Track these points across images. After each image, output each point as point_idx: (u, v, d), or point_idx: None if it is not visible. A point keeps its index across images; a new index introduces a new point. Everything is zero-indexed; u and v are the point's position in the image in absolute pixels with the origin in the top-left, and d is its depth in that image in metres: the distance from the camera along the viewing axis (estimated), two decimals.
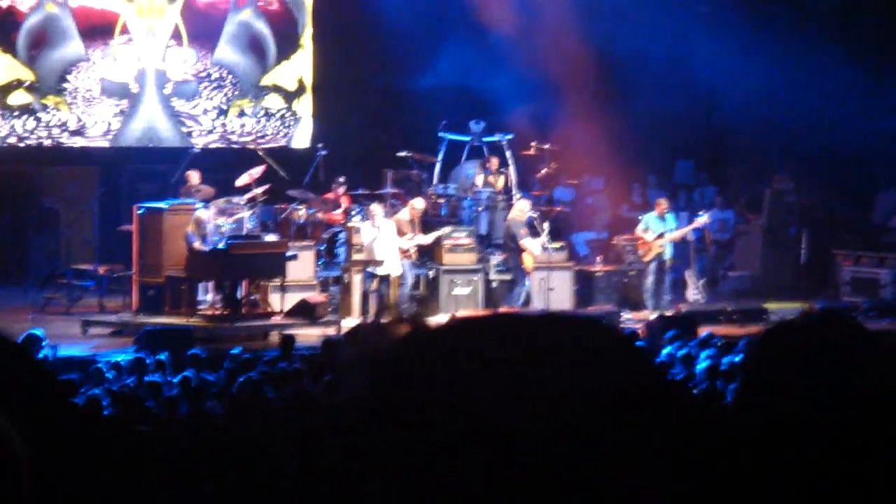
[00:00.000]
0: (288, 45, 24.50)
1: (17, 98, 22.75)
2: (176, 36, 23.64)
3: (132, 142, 23.54)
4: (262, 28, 24.31)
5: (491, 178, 21.72)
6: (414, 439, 1.70)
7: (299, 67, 24.59)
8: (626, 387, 1.77)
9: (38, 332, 14.63)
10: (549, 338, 1.79)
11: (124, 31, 23.22)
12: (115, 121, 23.42)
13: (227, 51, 24.12)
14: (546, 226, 20.23)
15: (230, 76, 24.20)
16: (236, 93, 24.29)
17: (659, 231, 20.81)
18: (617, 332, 1.89)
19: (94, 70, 23.19)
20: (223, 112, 24.22)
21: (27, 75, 22.78)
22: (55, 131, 23.04)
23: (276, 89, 24.51)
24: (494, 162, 21.90)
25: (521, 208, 20.23)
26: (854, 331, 2.35)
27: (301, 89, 24.64)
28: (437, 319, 18.37)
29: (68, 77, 23.01)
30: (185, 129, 23.89)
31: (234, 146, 24.02)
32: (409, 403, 1.72)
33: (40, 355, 14.02)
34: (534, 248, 19.84)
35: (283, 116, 24.64)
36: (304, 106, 24.71)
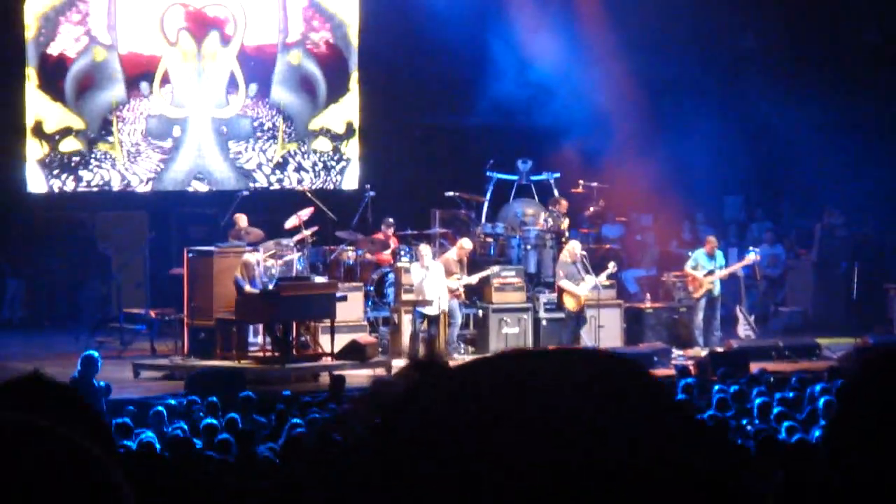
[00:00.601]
0: (338, 87, 24.60)
1: (69, 145, 22.91)
2: (231, 79, 23.79)
3: (182, 185, 23.68)
4: (313, 69, 24.44)
5: (553, 219, 21.51)
6: (423, 483, 1.66)
7: (347, 110, 24.70)
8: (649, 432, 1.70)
9: (94, 353, 14.81)
10: (553, 374, 1.74)
11: (166, 78, 23.35)
12: (161, 164, 23.56)
13: (281, 91, 24.26)
14: (611, 266, 20.19)
15: (282, 119, 24.33)
16: (288, 135, 24.42)
17: (708, 268, 20.73)
18: (635, 366, 1.81)
19: (141, 114, 23.34)
20: (272, 155, 24.34)
21: (77, 123, 22.94)
22: (105, 176, 23.19)
23: (325, 132, 24.62)
24: (562, 204, 21.73)
25: (570, 249, 20.17)
26: None
27: (349, 132, 24.73)
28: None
29: (114, 121, 23.17)
30: (237, 171, 24.00)
31: (283, 188, 24.11)
32: (418, 444, 1.68)
33: (95, 381, 14.17)
34: (575, 288, 19.78)
35: (331, 159, 24.74)
36: (352, 148, 24.80)
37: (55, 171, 22.86)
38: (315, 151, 24.59)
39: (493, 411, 1.65)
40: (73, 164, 22.93)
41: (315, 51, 24.47)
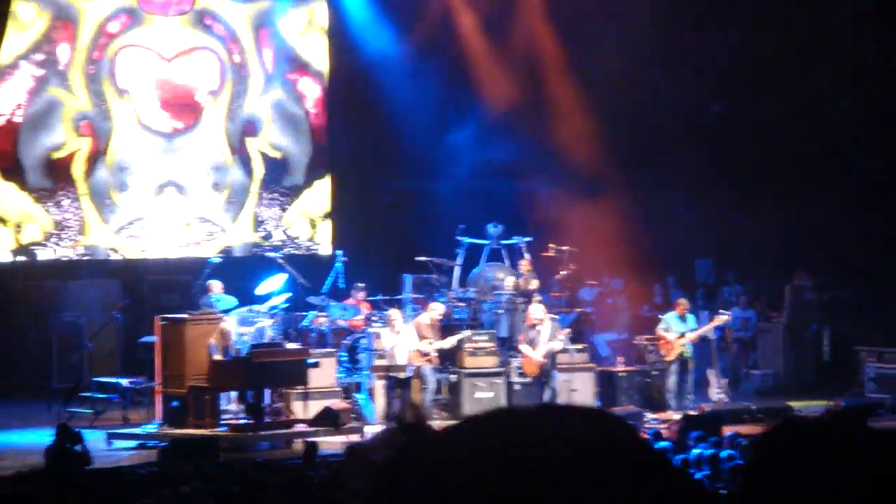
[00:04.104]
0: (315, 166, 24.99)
1: (30, 235, 23.12)
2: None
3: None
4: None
5: (521, 282, 21.66)
6: None
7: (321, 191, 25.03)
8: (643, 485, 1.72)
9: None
10: (545, 432, 1.75)
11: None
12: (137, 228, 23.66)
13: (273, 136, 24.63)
14: (565, 331, 20.20)
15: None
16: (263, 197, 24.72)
17: (680, 330, 20.80)
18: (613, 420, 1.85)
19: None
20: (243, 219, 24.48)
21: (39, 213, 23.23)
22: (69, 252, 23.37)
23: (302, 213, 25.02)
24: (525, 264, 21.87)
25: (528, 312, 20.21)
26: (858, 428, 2.30)
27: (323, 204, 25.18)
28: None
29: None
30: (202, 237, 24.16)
31: (255, 254, 24.19)
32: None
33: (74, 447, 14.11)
34: (531, 353, 19.77)
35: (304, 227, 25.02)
36: (323, 211, 25.09)
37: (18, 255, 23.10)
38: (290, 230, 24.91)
39: (486, 476, 1.67)
40: (34, 251, 23.13)
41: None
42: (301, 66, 24.97)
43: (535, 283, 21.65)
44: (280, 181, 24.95)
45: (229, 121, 24.41)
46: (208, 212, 24.31)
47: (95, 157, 23.47)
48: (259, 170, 24.71)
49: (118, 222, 23.68)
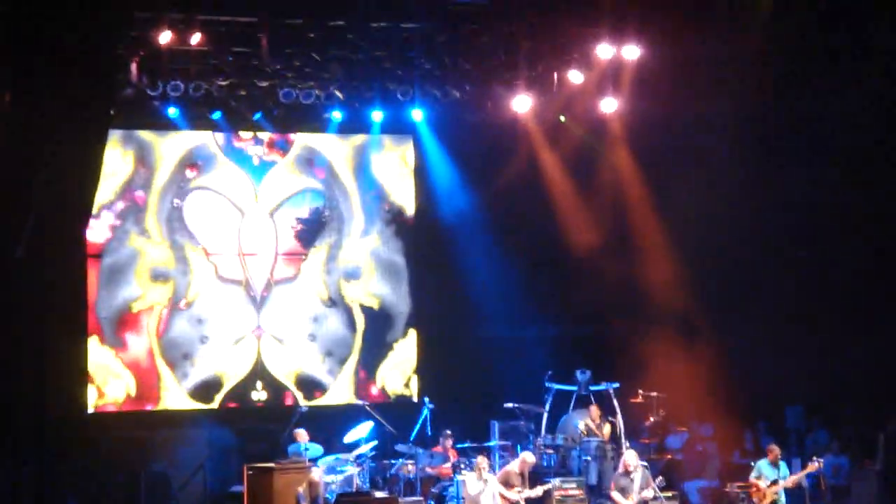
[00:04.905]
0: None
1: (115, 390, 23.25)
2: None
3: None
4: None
5: (594, 427, 21.57)
6: None
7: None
8: None
9: None
10: None
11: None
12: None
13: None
14: (658, 479, 19.95)
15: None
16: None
17: (772, 478, 20.48)
18: None
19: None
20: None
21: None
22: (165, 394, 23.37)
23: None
24: (594, 411, 21.79)
25: (626, 458, 20.01)
26: None
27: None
28: None
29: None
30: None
31: (342, 402, 24.11)
32: None
33: None
34: (624, 501, 19.53)
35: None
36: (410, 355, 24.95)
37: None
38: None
39: None
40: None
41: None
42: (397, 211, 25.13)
43: (606, 429, 21.51)
44: (383, 334, 24.96)
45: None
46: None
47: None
48: (360, 323, 24.76)
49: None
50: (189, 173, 23.72)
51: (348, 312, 24.45)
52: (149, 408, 23.29)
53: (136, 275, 23.31)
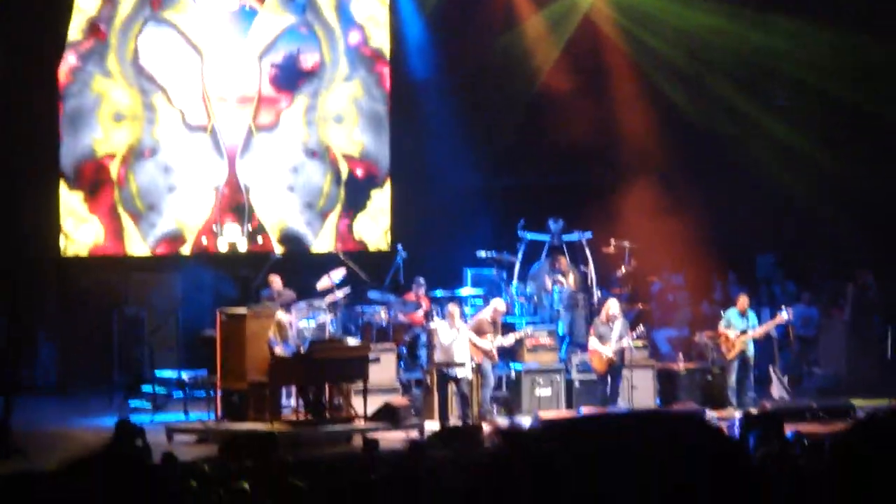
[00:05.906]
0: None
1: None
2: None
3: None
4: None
5: (560, 279, 21.63)
6: None
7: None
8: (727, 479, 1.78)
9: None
10: (643, 435, 1.78)
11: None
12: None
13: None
14: (639, 328, 20.06)
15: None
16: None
17: (741, 328, 20.64)
18: (711, 427, 1.92)
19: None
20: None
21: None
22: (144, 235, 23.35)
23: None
24: (563, 262, 21.84)
25: (609, 307, 20.02)
26: None
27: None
28: (522, 420, 18.29)
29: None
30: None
31: (316, 250, 24.12)
32: None
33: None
34: (602, 349, 19.64)
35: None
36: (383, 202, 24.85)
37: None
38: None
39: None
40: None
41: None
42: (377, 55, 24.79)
43: (571, 279, 21.61)
44: (362, 185, 24.78)
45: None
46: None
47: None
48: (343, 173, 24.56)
49: None
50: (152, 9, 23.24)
51: (332, 163, 24.29)
52: (118, 254, 23.27)
53: (98, 118, 23.02)
